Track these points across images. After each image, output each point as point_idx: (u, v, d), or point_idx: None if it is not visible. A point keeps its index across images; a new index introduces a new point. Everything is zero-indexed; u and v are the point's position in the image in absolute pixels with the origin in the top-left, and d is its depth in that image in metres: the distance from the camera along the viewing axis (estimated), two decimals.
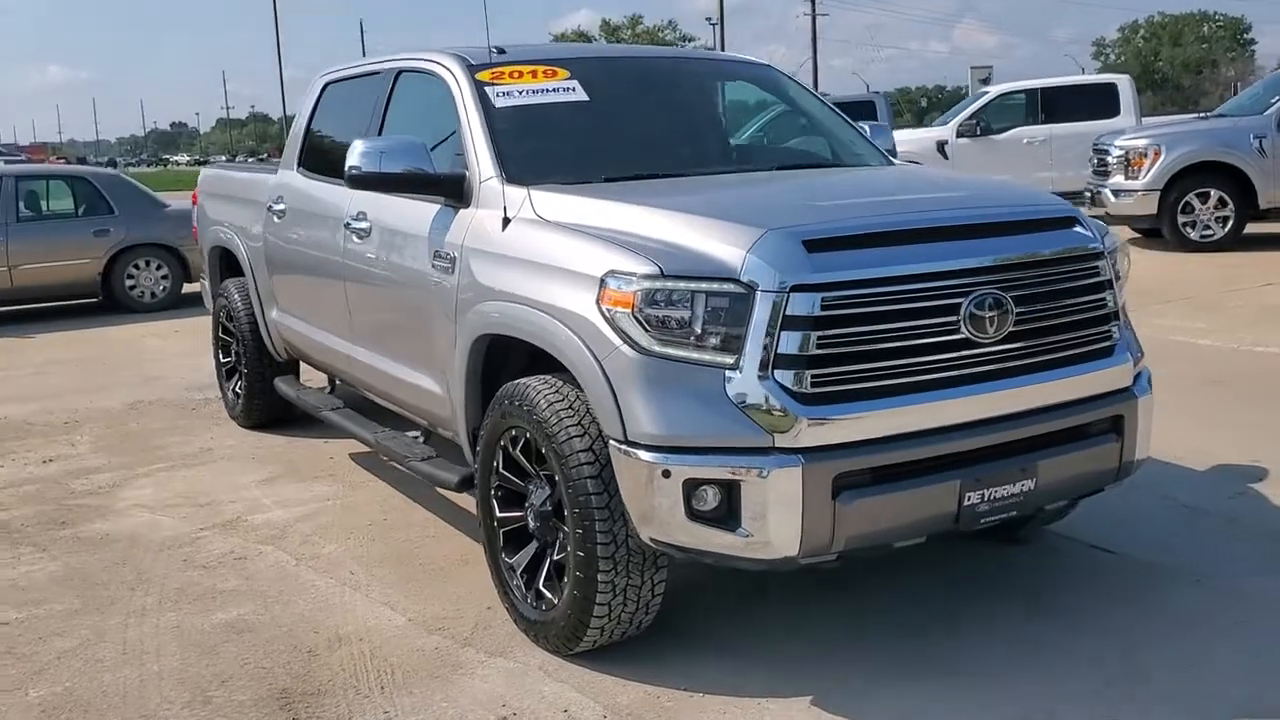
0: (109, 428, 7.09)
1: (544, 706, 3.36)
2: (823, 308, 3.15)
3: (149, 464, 6.19)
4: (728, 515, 3.17)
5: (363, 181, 4.21)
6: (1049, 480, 3.51)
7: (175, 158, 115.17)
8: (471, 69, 4.51)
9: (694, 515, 3.17)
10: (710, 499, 3.16)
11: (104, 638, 3.97)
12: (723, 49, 42.64)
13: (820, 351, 3.15)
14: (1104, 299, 3.67)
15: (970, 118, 17.33)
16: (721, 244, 3.27)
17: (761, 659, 3.60)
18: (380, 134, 4.85)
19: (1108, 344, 3.68)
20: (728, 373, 3.16)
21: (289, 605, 4.18)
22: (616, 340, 3.26)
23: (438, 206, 4.28)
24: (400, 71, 5.03)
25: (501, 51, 4.68)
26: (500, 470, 3.80)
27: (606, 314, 3.29)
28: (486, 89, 4.40)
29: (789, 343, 3.13)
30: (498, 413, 3.72)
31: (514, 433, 3.67)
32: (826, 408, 3.15)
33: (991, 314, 3.33)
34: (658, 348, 3.21)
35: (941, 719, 3.22)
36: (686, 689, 3.42)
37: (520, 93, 4.42)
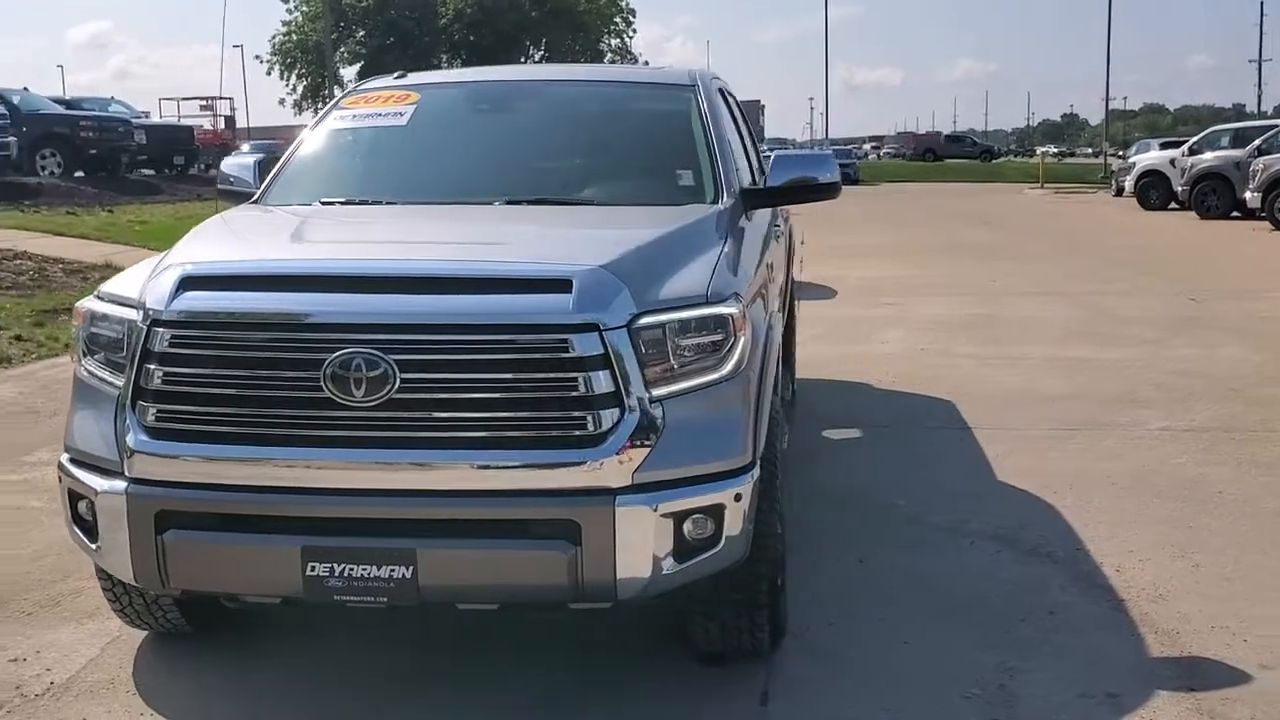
0: None
1: (19, 660, 3.81)
2: (171, 344, 3.16)
3: None
4: (92, 528, 3.33)
5: (219, 192, 4.84)
6: (441, 574, 3.07)
7: (1044, 148, 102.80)
8: (347, 94, 4.86)
9: (76, 521, 3.40)
10: (84, 511, 3.36)
11: None
12: None
13: (166, 386, 3.17)
14: (574, 379, 3.02)
15: (1263, 140, 21.72)
16: (154, 273, 3.39)
17: (264, 699, 3.62)
18: None
19: (577, 433, 3.03)
20: (120, 396, 3.31)
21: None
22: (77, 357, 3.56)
23: None
24: None
25: (402, 75, 4.95)
26: None
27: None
28: (333, 112, 4.74)
29: (144, 374, 3.20)
30: None
31: None
32: (160, 443, 3.18)
33: (358, 375, 3.01)
34: (86, 365, 3.45)
35: None
36: (138, 690, 3.63)
37: (353, 116, 4.68)
